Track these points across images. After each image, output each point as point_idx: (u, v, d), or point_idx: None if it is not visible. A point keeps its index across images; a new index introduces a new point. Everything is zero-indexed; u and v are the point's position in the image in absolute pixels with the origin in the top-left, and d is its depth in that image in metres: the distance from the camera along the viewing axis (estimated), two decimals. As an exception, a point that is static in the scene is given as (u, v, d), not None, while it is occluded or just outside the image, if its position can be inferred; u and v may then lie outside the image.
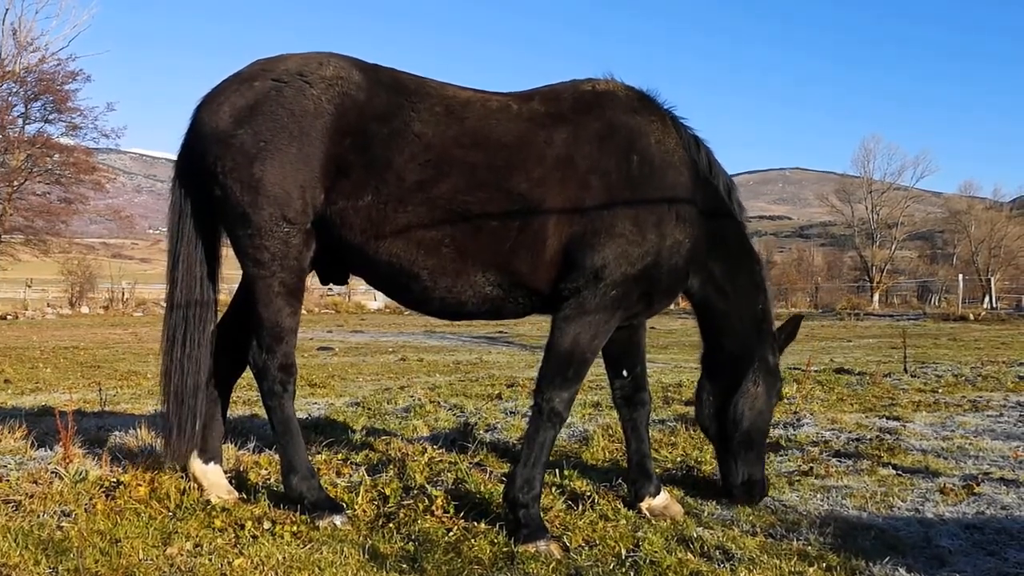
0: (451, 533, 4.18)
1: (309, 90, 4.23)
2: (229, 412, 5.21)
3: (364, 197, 4.20)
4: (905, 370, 11.67)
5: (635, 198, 4.28)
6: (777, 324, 4.92)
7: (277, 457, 5.14)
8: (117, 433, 6.36)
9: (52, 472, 4.91)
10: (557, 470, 5.18)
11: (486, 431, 6.86)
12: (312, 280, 4.77)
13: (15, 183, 35.61)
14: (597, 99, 4.50)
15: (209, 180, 4.30)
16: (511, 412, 7.90)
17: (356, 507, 4.54)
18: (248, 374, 4.85)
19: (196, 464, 4.64)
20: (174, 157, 4.54)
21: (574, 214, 4.22)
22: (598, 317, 4.27)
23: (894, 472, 5.65)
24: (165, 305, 4.68)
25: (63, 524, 4.17)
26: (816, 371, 11.33)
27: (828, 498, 4.96)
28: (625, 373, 4.87)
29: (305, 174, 4.19)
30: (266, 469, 5.24)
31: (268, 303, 4.31)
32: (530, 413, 4.37)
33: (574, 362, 4.29)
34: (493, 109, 4.39)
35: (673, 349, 17.91)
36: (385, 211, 4.20)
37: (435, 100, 4.35)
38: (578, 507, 4.67)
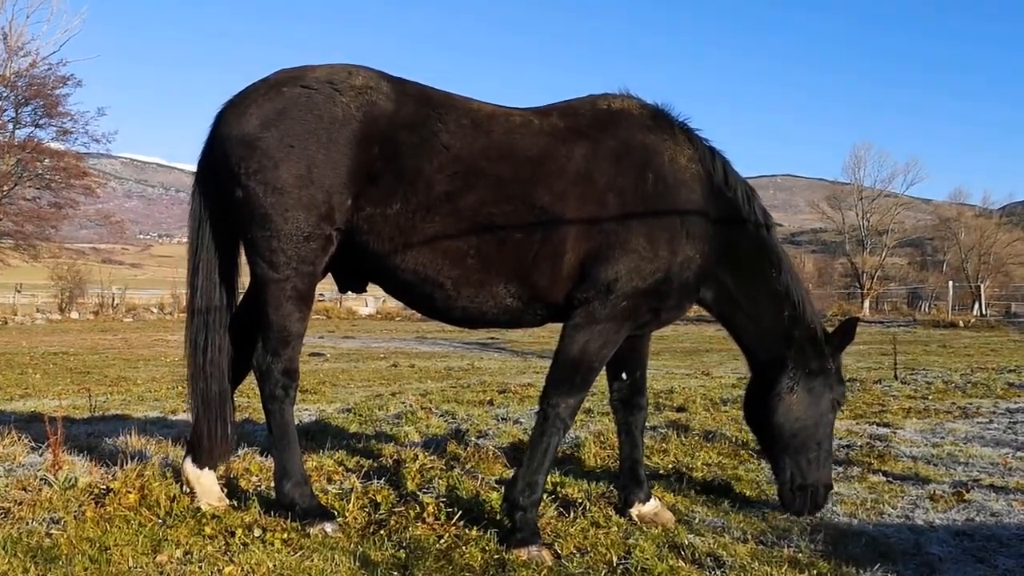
0: (442, 540, 4.17)
1: (339, 97, 4.25)
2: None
3: (393, 205, 4.23)
4: (895, 377, 11.71)
5: (649, 216, 4.32)
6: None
7: (268, 464, 5.13)
8: (107, 439, 6.34)
9: (41, 479, 4.88)
10: (548, 476, 5.18)
11: (478, 437, 6.86)
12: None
13: (5, 188, 35.47)
14: (612, 117, 4.54)
15: (231, 182, 4.29)
16: (503, 419, 7.90)
17: (347, 514, 4.52)
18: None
19: (190, 469, 4.63)
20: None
21: (592, 229, 4.27)
22: (607, 327, 4.31)
23: (884, 479, 5.67)
24: (186, 312, 4.70)
25: (52, 531, 4.15)
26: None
27: (819, 505, 4.97)
28: (624, 376, 4.89)
29: (331, 180, 4.20)
30: (257, 476, 5.23)
31: (278, 307, 4.31)
32: (536, 418, 4.39)
33: (581, 370, 4.31)
34: (517, 123, 4.43)
35: (664, 355, 17.93)
36: (413, 220, 4.22)
37: (461, 112, 4.39)
38: (570, 514, 4.67)
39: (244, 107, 4.32)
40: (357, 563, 3.85)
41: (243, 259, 4.61)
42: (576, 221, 4.27)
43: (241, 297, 4.79)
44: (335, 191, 4.21)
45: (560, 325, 4.47)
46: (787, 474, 4.69)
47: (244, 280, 4.75)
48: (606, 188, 4.32)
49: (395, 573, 3.76)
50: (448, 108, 4.39)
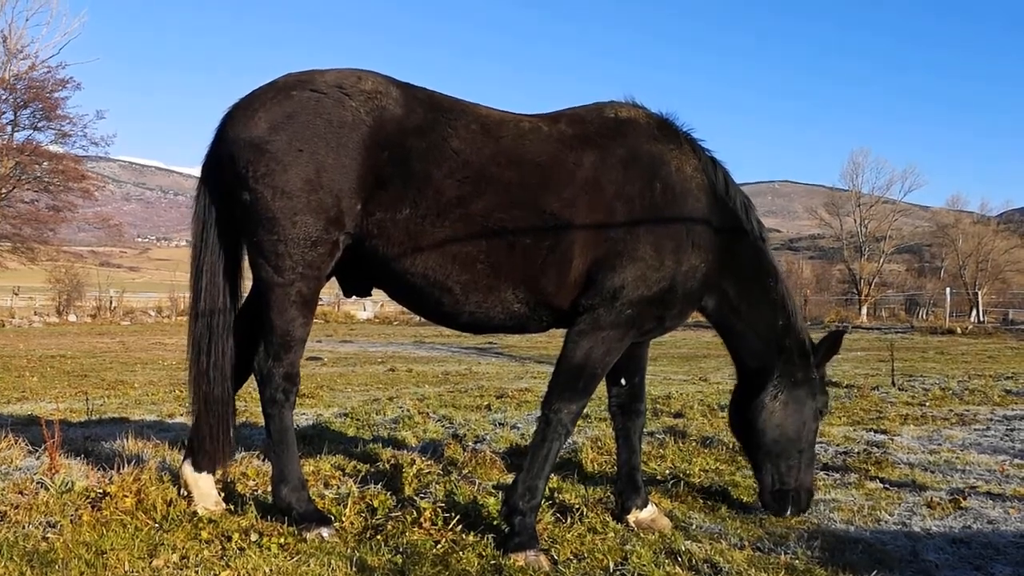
0: (439, 545, 4.17)
1: (348, 102, 4.25)
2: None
3: (403, 210, 4.22)
4: (893, 383, 11.72)
5: (656, 225, 4.35)
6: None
7: (265, 468, 5.12)
8: (104, 443, 6.33)
9: (38, 482, 4.88)
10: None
11: (475, 442, 6.86)
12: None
13: (3, 191, 35.42)
14: (620, 125, 4.56)
15: (238, 186, 4.28)
16: (500, 423, 7.90)
17: (344, 519, 4.52)
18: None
19: (188, 472, 4.63)
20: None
21: (599, 236, 4.29)
22: (611, 334, 4.33)
23: (881, 486, 5.67)
24: (189, 315, 4.67)
25: (48, 535, 4.14)
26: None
27: (816, 511, 4.98)
28: (623, 382, 4.90)
29: (340, 184, 4.19)
30: (254, 480, 5.22)
31: (282, 311, 4.30)
32: (536, 423, 4.40)
33: (584, 376, 4.33)
34: (526, 129, 4.44)
35: (662, 361, 17.91)
36: (423, 225, 4.22)
37: (470, 118, 4.40)
38: (567, 520, 4.67)
39: (252, 110, 4.30)
40: (353, 568, 3.84)
41: (246, 262, 4.61)
42: (584, 228, 4.29)
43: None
44: (344, 195, 4.20)
45: (562, 331, 4.48)
46: (768, 478, 4.82)
47: (247, 283, 4.74)
48: (614, 196, 4.34)
49: (392, 578, 3.75)
50: (457, 113, 4.40)
